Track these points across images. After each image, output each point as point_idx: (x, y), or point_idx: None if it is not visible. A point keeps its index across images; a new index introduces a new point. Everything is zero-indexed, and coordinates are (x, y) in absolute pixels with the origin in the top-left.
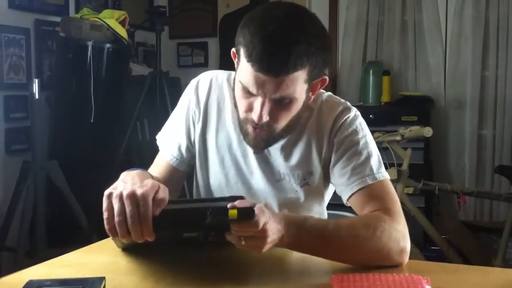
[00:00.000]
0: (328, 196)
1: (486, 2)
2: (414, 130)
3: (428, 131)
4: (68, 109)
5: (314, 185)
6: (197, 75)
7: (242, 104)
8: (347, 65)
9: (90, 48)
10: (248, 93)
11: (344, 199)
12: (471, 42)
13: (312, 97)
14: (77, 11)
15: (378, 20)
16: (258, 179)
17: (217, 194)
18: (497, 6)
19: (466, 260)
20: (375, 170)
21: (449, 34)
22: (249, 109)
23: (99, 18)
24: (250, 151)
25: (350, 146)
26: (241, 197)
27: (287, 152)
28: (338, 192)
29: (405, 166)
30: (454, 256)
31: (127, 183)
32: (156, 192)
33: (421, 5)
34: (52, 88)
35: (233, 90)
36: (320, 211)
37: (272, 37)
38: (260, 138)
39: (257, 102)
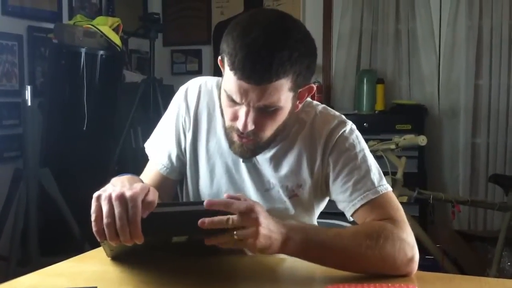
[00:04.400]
0: (318, 209)
1: (480, 11)
2: (408, 139)
3: (422, 140)
4: (60, 116)
5: (303, 197)
6: None
7: (227, 113)
8: (341, 74)
9: (83, 55)
10: (232, 101)
11: (348, 215)
12: (465, 51)
13: (300, 105)
14: (70, 18)
15: (372, 29)
16: (248, 187)
17: None
18: (490, 15)
19: (461, 270)
20: (376, 184)
21: (442, 43)
22: (235, 118)
23: (92, 25)
24: (240, 158)
25: (348, 162)
26: None
27: (276, 163)
28: (341, 209)
29: (399, 175)
30: (448, 266)
31: (116, 186)
32: (146, 194)
33: (414, 14)
34: (44, 95)
35: (219, 98)
36: (309, 222)
37: (253, 44)
38: (247, 147)
39: (242, 111)
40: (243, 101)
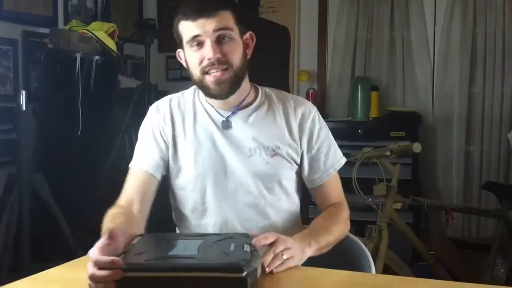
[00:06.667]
0: (295, 169)
1: (474, 19)
2: (403, 146)
3: (417, 147)
4: (55, 122)
5: (283, 154)
6: (185, 88)
7: (195, 61)
8: (336, 81)
9: (78, 60)
10: (197, 44)
11: (308, 186)
12: (459, 59)
13: (249, 53)
14: (66, 23)
15: (367, 37)
16: (232, 159)
17: (195, 189)
18: (484, 23)
19: (454, 277)
20: (330, 164)
21: (437, 51)
22: (202, 59)
23: (88, 30)
24: (218, 136)
25: (320, 144)
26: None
27: (253, 130)
28: (304, 179)
29: (394, 182)
30: (441, 273)
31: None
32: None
33: (409, 22)
34: (39, 100)
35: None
36: (291, 177)
37: None
38: (222, 81)
39: (206, 45)
40: (204, 33)
